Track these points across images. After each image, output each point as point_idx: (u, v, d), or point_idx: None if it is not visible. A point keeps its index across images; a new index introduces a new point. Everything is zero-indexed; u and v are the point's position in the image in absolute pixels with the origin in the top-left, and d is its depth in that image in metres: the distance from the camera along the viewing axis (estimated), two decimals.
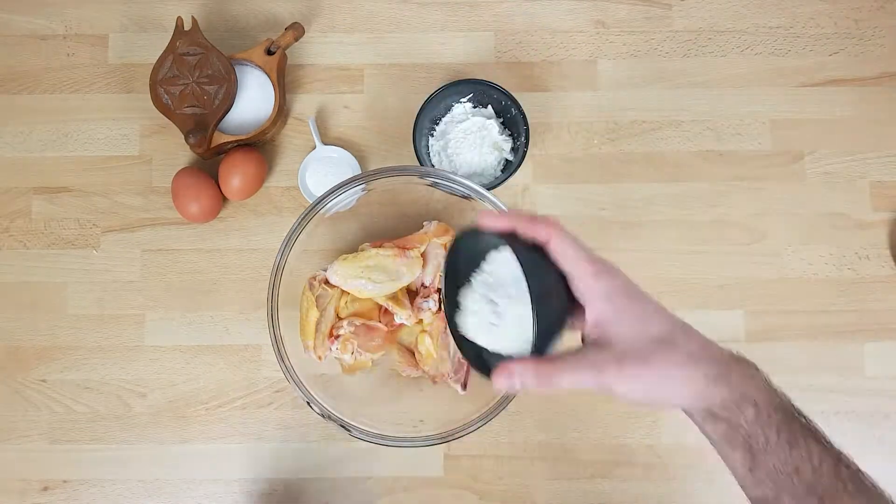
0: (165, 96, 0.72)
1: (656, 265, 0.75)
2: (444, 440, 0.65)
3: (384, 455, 0.72)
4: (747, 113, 0.77)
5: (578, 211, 0.76)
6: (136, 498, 0.73)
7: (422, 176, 0.68)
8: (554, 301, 0.42)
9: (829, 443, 0.42)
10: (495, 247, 0.46)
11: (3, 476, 0.73)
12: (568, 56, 0.78)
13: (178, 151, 0.77)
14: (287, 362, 0.66)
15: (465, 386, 0.69)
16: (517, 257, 0.41)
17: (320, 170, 0.75)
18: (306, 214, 0.67)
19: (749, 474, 0.41)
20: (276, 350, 0.66)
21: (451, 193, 0.69)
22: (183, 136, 0.72)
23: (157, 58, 0.72)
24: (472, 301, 0.46)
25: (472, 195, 0.68)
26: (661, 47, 0.78)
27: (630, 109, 0.78)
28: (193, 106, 0.72)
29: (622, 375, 0.41)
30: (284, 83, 0.76)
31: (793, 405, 0.42)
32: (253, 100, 0.74)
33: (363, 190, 0.68)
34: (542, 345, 0.42)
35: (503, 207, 0.67)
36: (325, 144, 0.76)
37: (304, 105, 0.78)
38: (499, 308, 0.44)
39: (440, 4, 0.79)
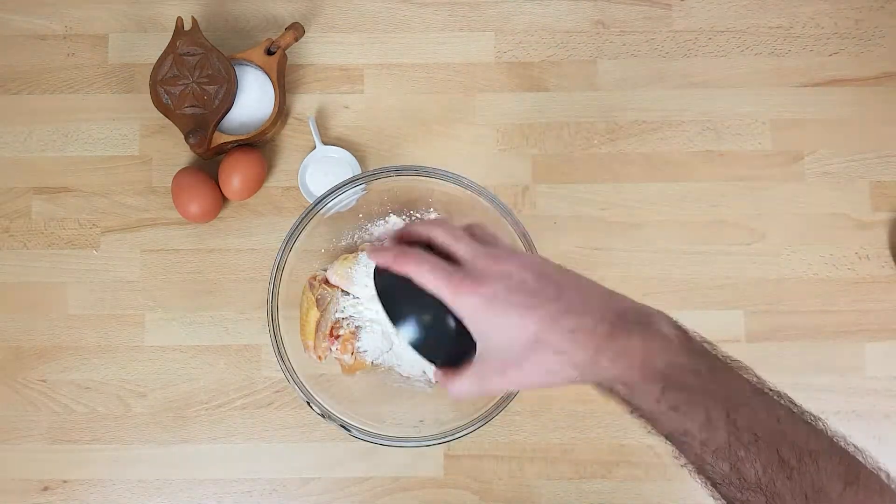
0: (165, 96, 0.72)
1: (656, 265, 0.75)
2: (444, 440, 0.65)
3: (384, 455, 0.72)
4: (747, 113, 0.77)
5: (578, 211, 0.76)
6: (136, 498, 0.73)
7: (422, 175, 0.68)
8: (433, 324, 0.45)
9: (726, 394, 0.42)
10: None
11: (3, 476, 0.73)
12: (568, 56, 0.78)
13: (178, 151, 0.77)
14: (287, 362, 0.66)
15: None
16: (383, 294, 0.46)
17: (320, 170, 0.75)
18: (306, 214, 0.67)
19: (654, 431, 0.45)
20: (276, 350, 0.66)
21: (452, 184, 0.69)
22: (183, 136, 0.72)
23: (157, 58, 0.73)
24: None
25: (473, 193, 0.68)
26: (661, 47, 0.78)
27: (630, 109, 0.78)
28: (193, 106, 0.72)
29: (505, 382, 0.45)
30: (284, 83, 0.76)
31: (686, 364, 0.42)
32: (253, 100, 0.74)
33: (363, 190, 0.68)
34: (435, 360, 0.47)
35: (502, 206, 0.67)
36: (325, 144, 0.76)
37: (304, 105, 0.78)
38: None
39: (440, 4, 0.79)
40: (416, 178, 0.68)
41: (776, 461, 0.40)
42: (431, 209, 0.73)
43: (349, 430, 0.65)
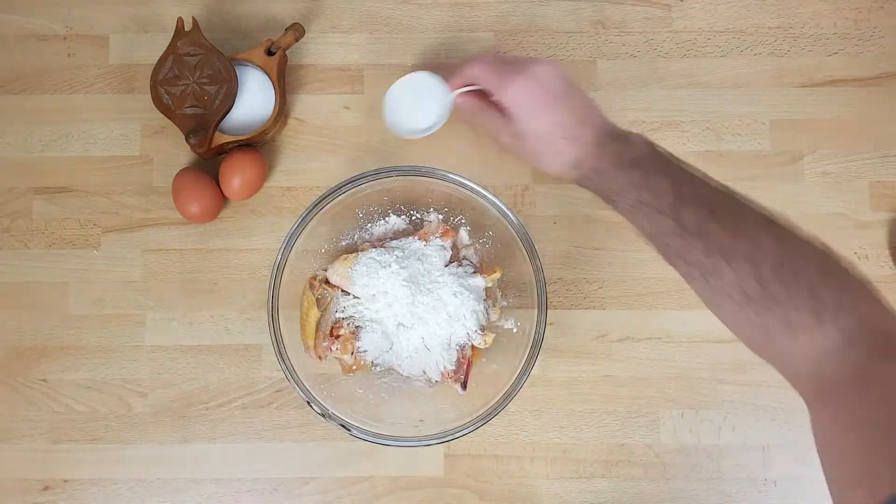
0: (166, 97, 0.72)
1: (656, 265, 0.75)
2: (444, 440, 0.65)
3: (384, 455, 0.72)
4: (747, 113, 0.78)
5: (578, 211, 0.76)
6: (136, 498, 0.73)
7: (422, 175, 0.68)
8: None
9: (675, 174, 0.56)
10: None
11: (4, 476, 0.73)
12: (568, 56, 0.78)
13: (178, 151, 0.77)
14: (287, 362, 0.66)
15: (465, 386, 0.69)
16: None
17: (406, 95, 0.72)
18: (306, 214, 0.67)
19: (623, 215, 0.59)
20: (276, 350, 0.66)
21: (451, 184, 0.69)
22: (183, 137, 0.72)
23: (158, 58, 0.73)
24: None
25: (473, 193, 0.68)
26: (661, 48, 0.79)
27: (630, 109, 0.78)
28: (194, 106, 0.72)
29: (520, 146, 0.64)
30: (285, 83, 0.76)
31: (651, 156, 0.58)
32: (253, 100, 0.74)
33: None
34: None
35: (502, 206, 0.67)
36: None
37: (304, 105, 0.78)
38: None
39: (440, 4, 0.79)
40: (416, 178, 0.69)
41: (709, 214, 0.53)
42: (431, 209, 0.74)
43: (349, 430, 0.65)
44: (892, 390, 0.43)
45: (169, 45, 0.73)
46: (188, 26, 0.73)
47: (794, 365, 0.50)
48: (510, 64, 0.63)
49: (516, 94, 0.62)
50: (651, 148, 0.58)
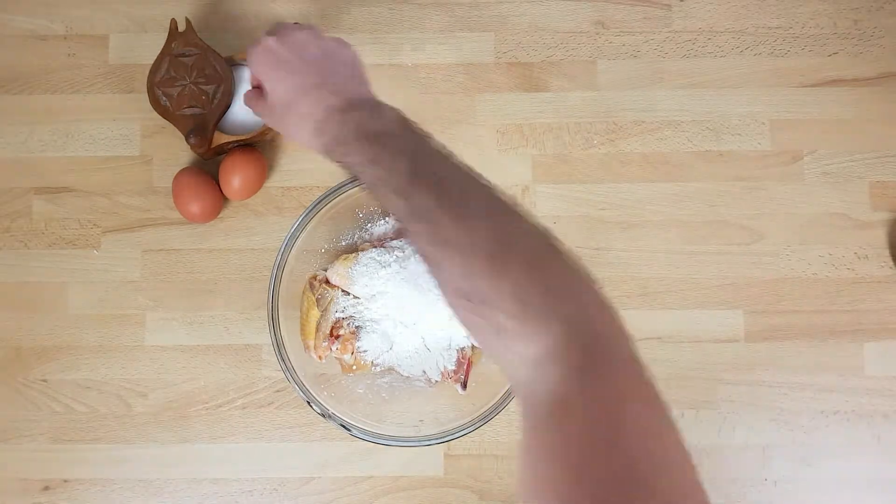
0: (164, 98, 0.72)
1: (656, 265, 0.76)
2: (444, 440, 0.65)
3: (384, 455, 0.72)
4: (747, 113, 0.78)
5: (578, 211, 0.76)
6: (136, 498, 0.73)
7: None
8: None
9: (419, 146, 0.51)
10: None
11: (4, 476, 0.73)
12: (568, 56, 0.78)
13: (178, 151, 0.77)
14: (287, 362, 0.66)
15: (465, 386, 0.69)
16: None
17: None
18: (306, 214, 0.67)
19: (368, 192, 0.51)
20: (276, 350, 0.66)
21: None
22: (183, 137, 0.72)
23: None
24: None
25: None
26: (661, 47, 0.79)
27: (630, 109, 0.78)
28: (192, 107, 0.72)
29: (271, 116, 0.60)
30: None
31: (397, 131, 0.52)
32: None
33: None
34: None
35: None
36: None
37: None
38: None
39: (440, 4, 0.79)
40: None
41: (436, 198, 0.47)
42: None
43: (349, 430, 0.65)
44: (577, 422, 0.37)
45: (163, 47, 0.73)
46: (181, 27, 0.73)
47: (514, 377, 0.43)
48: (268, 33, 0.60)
49: (258, 58, 0.59)
50: (401, 123, 0.52)
